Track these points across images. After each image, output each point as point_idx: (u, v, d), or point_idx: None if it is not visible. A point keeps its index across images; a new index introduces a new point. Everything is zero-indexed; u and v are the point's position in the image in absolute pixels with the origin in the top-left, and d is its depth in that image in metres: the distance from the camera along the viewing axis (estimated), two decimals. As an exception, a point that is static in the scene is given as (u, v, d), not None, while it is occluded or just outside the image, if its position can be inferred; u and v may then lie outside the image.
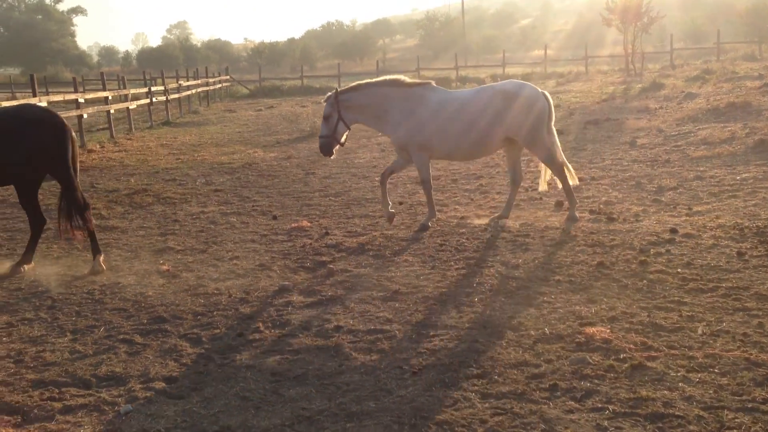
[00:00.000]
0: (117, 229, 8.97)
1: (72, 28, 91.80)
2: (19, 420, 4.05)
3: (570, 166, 8.35)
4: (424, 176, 8.27)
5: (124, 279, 6.81)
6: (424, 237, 7.82)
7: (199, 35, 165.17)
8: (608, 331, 4.88)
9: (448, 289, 6.06)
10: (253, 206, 10.10)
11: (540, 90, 8.19)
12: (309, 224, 8.73)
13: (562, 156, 8.22)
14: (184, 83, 30.57)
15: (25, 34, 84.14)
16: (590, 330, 4.88)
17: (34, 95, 16.59)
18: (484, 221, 8.33)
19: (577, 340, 4.79)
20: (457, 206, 9.41)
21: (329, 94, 8.35)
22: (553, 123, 8.16)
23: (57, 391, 4.39)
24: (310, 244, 7.83)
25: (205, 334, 5.29)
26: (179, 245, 8.03)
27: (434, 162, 12.80)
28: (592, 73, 38.41)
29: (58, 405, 4.20)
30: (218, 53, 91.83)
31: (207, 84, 35.35)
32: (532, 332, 4.97)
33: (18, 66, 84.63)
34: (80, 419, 4.04)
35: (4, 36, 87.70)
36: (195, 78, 35.72)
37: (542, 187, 8.69)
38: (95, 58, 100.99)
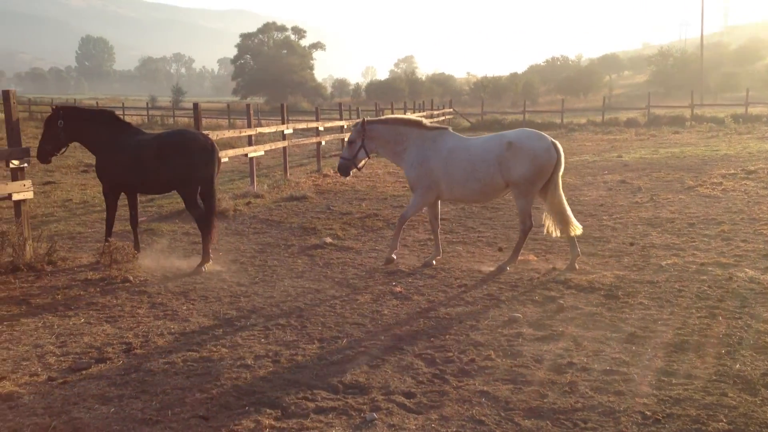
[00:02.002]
0: (352, 249, 9.59)
1: (311, 62, 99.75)
2: (279, 414, 4.51)
3: (562, 221, 8.19)
4: (407, 214, 8.69)
5: (361, 296, 7.28)
6: (660, 281, 7.48)
7: (424, 69, 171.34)
8: None
9: (689, 337, 5.75)
10: (478, 236, 10.30)
11: (550, 140, 8.11)
12: (535, 258, 8.72)
13: (566, 206, 8.22)
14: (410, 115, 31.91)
15: (271, 67, 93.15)
16: None
17: (283, 122, 18.31)
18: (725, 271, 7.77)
19: None
20: (695, 251, 8.87)
21: (357, 121, 8.91)
22: (560, 174, 8.14)
23: (310, 392, 4.83)
24: (538, 278, 7.82)
25: (438, 356, 5.51)
26: (409, 269, 8.42)
27: (667, 205, 12.21)
28: None
29: (311, 405, 4.62)
30: (441, 86, 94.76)
31: (431, 116, 36.60)
32: (790, 394, 4.57)
33: (263, 96, 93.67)
34: (331, 420, 4.40)
35: (253, 69, 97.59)
36: (420, 110, 37.13)
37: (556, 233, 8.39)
38: (329, 90, 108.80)
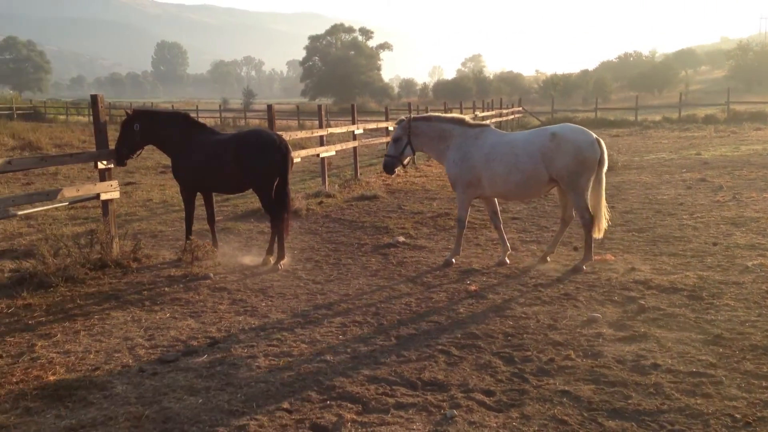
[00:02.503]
0: (425, 248, 9.61)
1: (378, 62, 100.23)
2: (360, 409, 4.57)
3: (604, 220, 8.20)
4: (462, 215, 8.63)
5: (435, 295, 7.30)
6: (746, 282, 7.22)
7: (492, 67, 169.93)
8: None
9: (780, 340, 5.54)
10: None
11: (594, 136, 8.05)
12: (613, 258, 8.55)
13: (602, 207, 8.19)
14: (479, 113, 31.70)
15: (338, 68, 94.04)
16: None
17: (353, 122, 18.48)
18: None
19: None
20: (783, 252, 8.52)
21: (402, 118, 8.93)
22: (604, 171, 8.11)
23: (389, 388, 4.88)
24: (616, 278, 7.67)
25: (517, 355, 5.48)
26: (484, 268, 8.39)
27: (751, 204, 11.75)
28: None
29: (391, 400, 4.67)
30: (510, 85, 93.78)
31: (500, 115, 36.27)
32: None
33: (331, 96, 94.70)
34: (411, 416, 4.44)
35: (322, 70, 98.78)
36: (489, 109, 36.85)
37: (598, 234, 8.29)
38: (396, 90, 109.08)
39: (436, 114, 9.03)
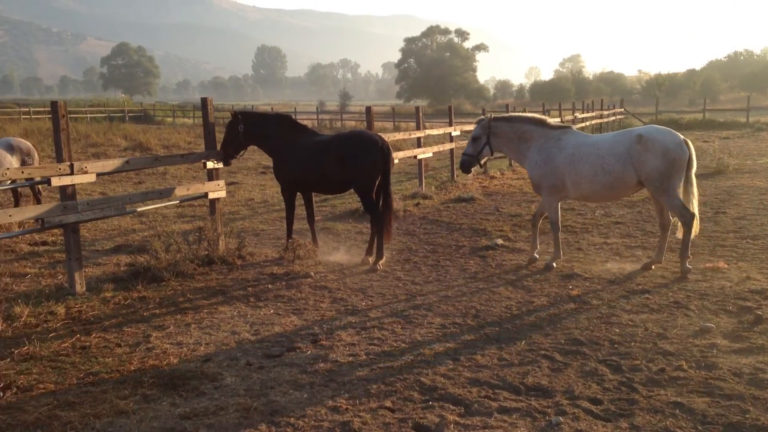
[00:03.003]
0: (524, 251, 9.45)
1: (474, 63, 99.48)
2: (463, 411, 4.55)
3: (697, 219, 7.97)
4: (553, 217, 8.49)
5: (536, 299, 7.17)
6: None
7: (591, 68, 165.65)
8: None
9: None
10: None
11: (681, 137, 7.83)
12: (726, 266, 8.15)
13: (694, 208, 7.97)
14: (579, 115, 30.95)
15: (434, 70, 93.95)
16: None
17: (450, 124, 18.44)
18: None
19: None
20: None
21: (482, 117, 8.88)
22: (693, 172, 7.91)
23: (491, 391, 4.83)
24: (730, 287, 7.30)
25: (624, 363, 5.30)
26: (586, 273, 8.17)
27: None
28: None
29: (494, 404, 4.62)
30: (610, 86, 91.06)
31: (601, 116, 35.25)
32: None
33: (426, 98, 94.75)
34: (515, 421, 4.38)
35: (417, 72, 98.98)
36: (589, 110, 35.89)
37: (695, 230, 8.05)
38: (491, 92, 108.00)
39: (518, 114, 8.89)
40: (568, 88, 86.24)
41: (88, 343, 5.94)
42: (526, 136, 8.46)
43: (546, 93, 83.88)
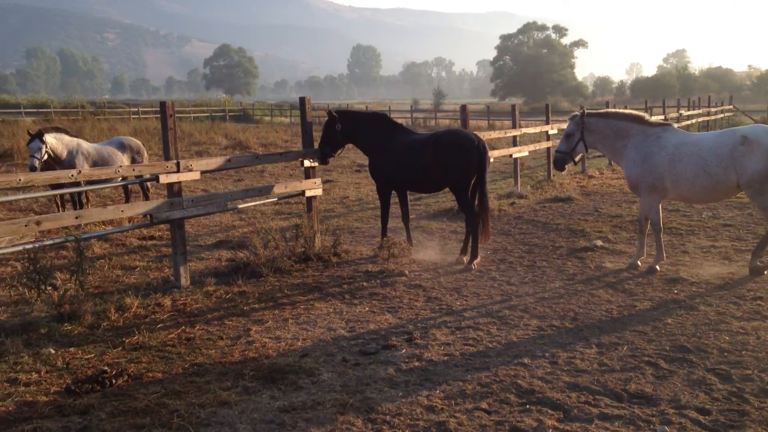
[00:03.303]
0: (624, 253, 9.14)
1: (572, 60, 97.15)
2: (561, 416, 4.43)
3: None
4: (653, 218, 8.11)
5: (639, 303, 6.91)
6: None
7: (697, 63, 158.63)
8: None
9: None
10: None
11: None
12: None
13: None
14: (684, 113, 29.66)
15: (530, 67, 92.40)
16: None
17: (547, 122, 18.06)
18: None
19: None
20: None
21: (575, 113, 8.50)
22: None
23: (592, 397, 4.69)
24: None
25: (735, 373, 5.03)
26: (692, 277, 7.81)
27: None
28: None
29: (595, 410, 4.47)
30: (718, 82, 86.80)
31: (708, 114, 33.66)
32: None
33: (521, 96, 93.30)
34: (617, 429, 4.22)
35: (512, 69, 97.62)
36: (695, 107, 34.32)
37: None
38: (590, 89, 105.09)
39: (613, 110, 8.56)
40: (672, 85, 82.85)
41: (192, 335, 6.17)
42: (623, 133, 8.16)
43: (648, 90, 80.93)
